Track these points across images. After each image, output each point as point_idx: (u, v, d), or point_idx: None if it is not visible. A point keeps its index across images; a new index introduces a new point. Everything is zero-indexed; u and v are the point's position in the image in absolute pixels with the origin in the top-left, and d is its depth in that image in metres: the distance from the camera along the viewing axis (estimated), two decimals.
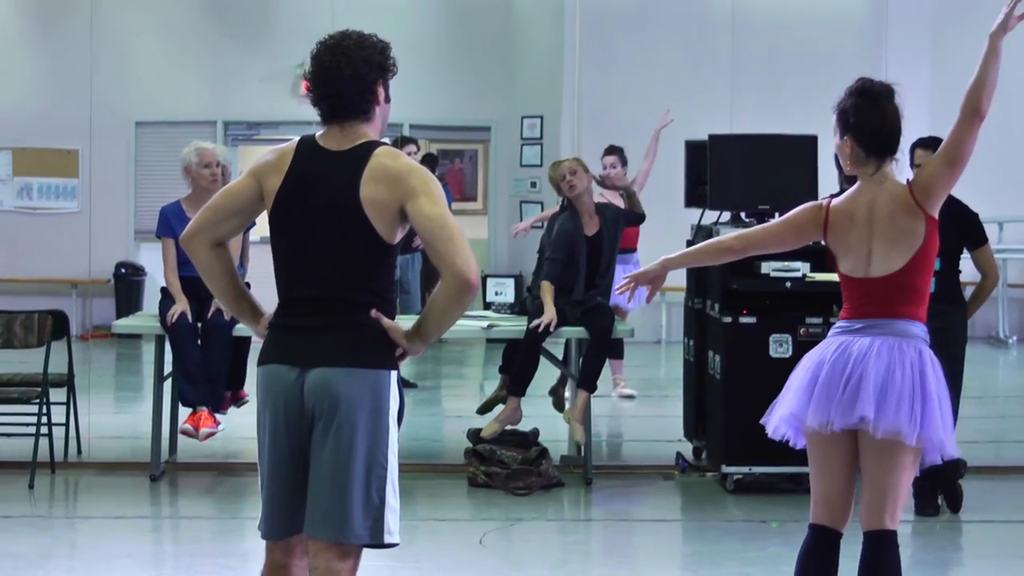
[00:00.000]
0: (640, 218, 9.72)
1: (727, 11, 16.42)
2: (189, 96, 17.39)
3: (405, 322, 4.52)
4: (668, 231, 10.20)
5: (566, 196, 9.30)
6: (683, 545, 8.12)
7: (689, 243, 9.16)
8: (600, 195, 11.56)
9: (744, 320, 8.75)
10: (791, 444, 5.17)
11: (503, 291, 10.13)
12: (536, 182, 17.05)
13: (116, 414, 11.91)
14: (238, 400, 9.21)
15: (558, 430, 9.76)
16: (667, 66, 16.62)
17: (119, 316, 14.59)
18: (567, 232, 9.22)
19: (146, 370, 12.65)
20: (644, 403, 12.57)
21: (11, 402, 8.99)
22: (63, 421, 9.28)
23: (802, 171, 9.02)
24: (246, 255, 9.09)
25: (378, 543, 4.40)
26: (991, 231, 9.91)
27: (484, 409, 9.60)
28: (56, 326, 8.97)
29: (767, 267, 8.69)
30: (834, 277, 5.22)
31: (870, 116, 4.98)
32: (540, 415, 9.48)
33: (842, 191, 5.21)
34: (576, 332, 9.06)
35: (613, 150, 12.28)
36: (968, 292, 8.32)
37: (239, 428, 9.23)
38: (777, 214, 8.44)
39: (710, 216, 9.51)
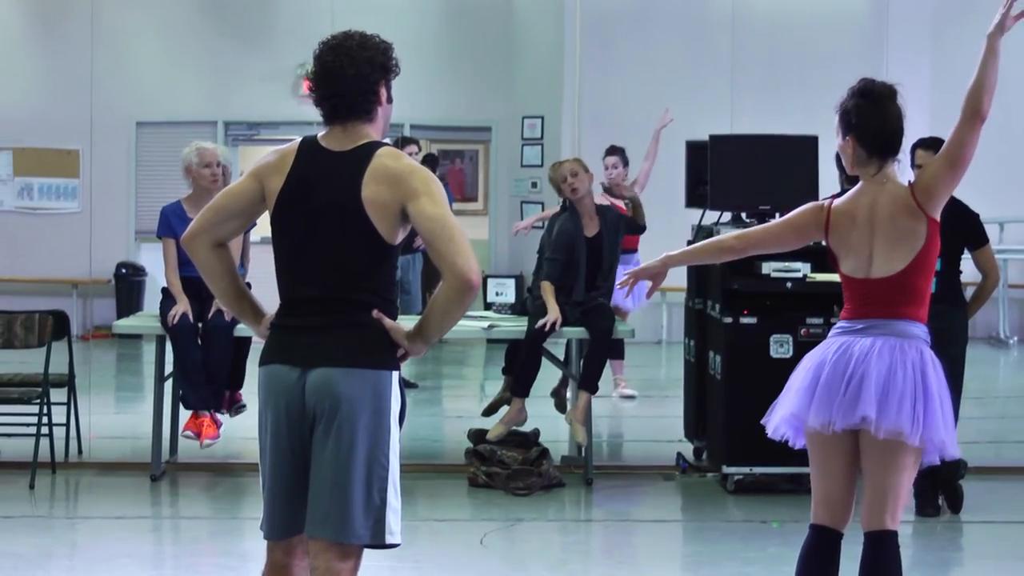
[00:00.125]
0: (640, 229, 9.65)
1: (727, 11, 16.42)
2: (189, 96, 17.39)
3: (406, 323, 4.52)
4: (669, 231, 10.18)
5: (567, 197, 9.30)
6: (683, 545, 8.12)
7: (690, 243, 9.16)
8: (602, 196, 11.59)
9: (745, 320, 8.74)
10: (790, 444, 5.17)
11: (504, 291, 10.13)
12: (537, 182, 17.04)
13: (116, 414, 11.91)
14: (233, 404, 9.19)
15: (559, 430, 9.76)
16: (667, 66, 16.62)
17: (120, 316, 14.60)
18: (567, 232, 9.21)
19: (147, 370, 12.65)
20: (645, 403, 12.57)
21: (12, 402, 8.99)
22: (63, 421, 9.28)
23: (803, 171, 9.02)
24: (247, 255, 9.09)
25: (379, 543, 4.40)
26: (992, 231, 9.91)
27: (489, 411, 9.60)
28: (57, 326, 8.97)
29: (768, 267, 8.69)
30: (835, 277, 5.22)
31: (872, 117, 4.98)
32: (541, 415, 9.48)
33: (843, 191, 5.21)
34: (577, 333, 9.06)
35: (614, 150, 12.28)
36: (969, 292, 8.32)
37: (239, 429, 9.23)
38: (778, 214, 8.44)
39: (711, 216, 9.51)
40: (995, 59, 4.85)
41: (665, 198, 11.88)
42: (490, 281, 10.07)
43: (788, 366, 5.38)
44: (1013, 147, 15.52)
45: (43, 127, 17.07)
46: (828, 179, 8.83)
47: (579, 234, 9.21)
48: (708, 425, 9.31)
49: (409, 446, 9.68)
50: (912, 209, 4.93)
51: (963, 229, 7.91)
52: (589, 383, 9.07)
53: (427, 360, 14.26)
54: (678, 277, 9.71)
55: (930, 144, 7.73)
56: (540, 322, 8.88)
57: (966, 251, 8.11)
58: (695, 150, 9.65)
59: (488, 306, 10.00)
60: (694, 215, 9.71)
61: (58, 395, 9.16)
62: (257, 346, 4.64)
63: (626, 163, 12.23)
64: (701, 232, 9.29)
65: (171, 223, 8.94)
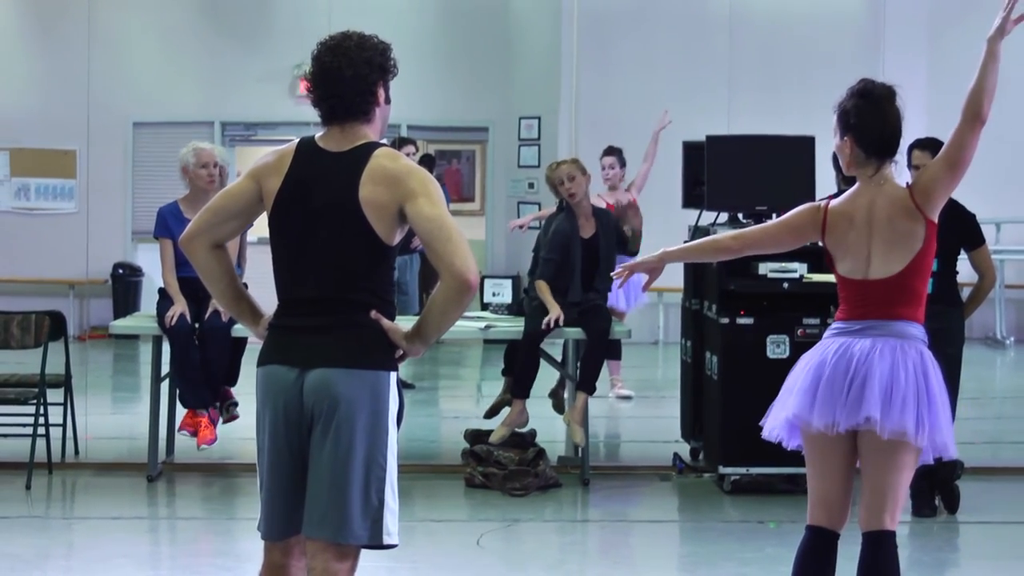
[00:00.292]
0: (631, 254, 9.54)
1: (724, 12, 16.43)
2: (186, 97, 17.39)
3: (404, 323, 4.52)
4: (666, 232, 10.18)
5: (563, 198, 9.29)
6: (680, 546, 8.12)
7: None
8: (598, 196, 11.58)
9: (741, 321, 8.75)
10: (784, 445, 5.17)
11: (501, 292, 10.15)
12: (534, 183, 17.04)
13: (113, 415, 11.91)
14: (225, 400, 9.16)
15: (555, 431, 9.77)
16: (665, 67, 16.63)
17: (116, 317, 14.58)
18: (562, 233, 9.21)
19: (143, 371, 12.66)
20: (641, 404, 12.57)
21: (8, 403, 8.99)
22: (60, 422, 9.27)
23: (800, 172, 9.02)
24: (244, 256, 9.08)
25: (377, 544, 4.40)
26: (988, 232, 9.92)
27: (490, 414, 9.61)
28: (53, 327, 8.96)
29: (764, 268, 8.70)
30: (831, 278, 5.22)
31: (871, 118, 4.98)
32: (537, 416, 9.47)
33: (840, 192, 5.21)
34: (574, 333, 9.06)
35: (612, 151, 12.28)
36: (965, 293, 8.32)
37: (236, 429, 9.22)
38: (775, 215, 8.44)
39: (708, 217, 9.51)
40: (995, 62, 4.86)
41: (662, 199, 11.88)
42: (487, 282, 10.08)
43: (785, 366, 5.38)
44: (1010, 148, 15.54)
45: (40, 127, 17.07)
46: (825, 180, 8.85)
47: (575, 235, 9.21)
48: (705, 425, 9.32)
49: (406, 447, 9.67)
50: (911, 211, 4.94)
51: (960, 230, 7.91)
52: (587, 384, 9.07)
53: (424, 361, 14.26)
54: (675, 278, 9.74)
55: (927, 145, 7.73)
56: (545, 320, 8.87)
57: (963, 252, 8.11)
58: (692, 151, 9.65)
59: (485, 306, 10.02)
60: (691, 216, 9.71)
61: (55, 395, 9.16)
62: (254, 346, 4.64)
63: (623, 163, 12.23)
64: (698, 233, 9.30)
65: (168, 223, 8.93)
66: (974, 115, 4.86)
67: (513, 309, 9.88)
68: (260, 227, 4.81)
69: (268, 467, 4.47)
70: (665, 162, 11.97)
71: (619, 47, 16.71)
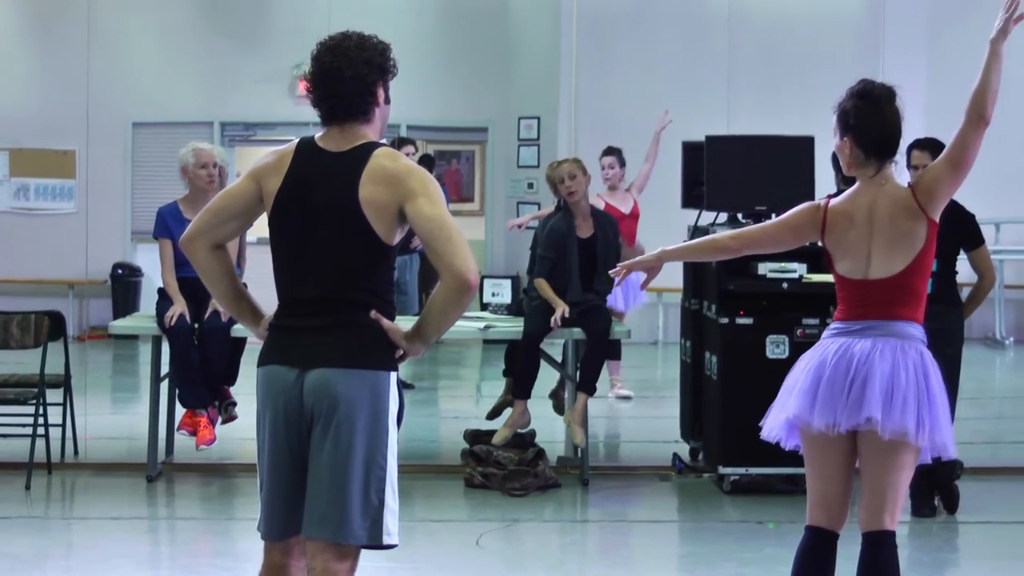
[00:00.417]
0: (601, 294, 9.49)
1: (724, 12, 16.43)
2: (186, 97, 17.39)
3: (404, 323, 4.52)
4: (665, 232, 10.17)
5: (562, 196, 9.30)
6: (680, 546, 8.12)
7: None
8: (597, 196, 11.59)
9: (741, 321, 8.75)
10: (782, 446, 5.17)
11: (500, 292, 10.14)
12: (533, 183, 17.05)
13: (113, 415, 11.91)
14: (224, 400, 9.16)
15: (555, 431, 9.77)
16: (664, 67, 16.63)
17: (116, 317, 14.58)
18: (557, 231, 9.23)
19: (143, 371, 12.66)
20: (641, 404, 12.57)
21: (8, 403, 8.99)
22: (59, 422, 9.27)
23: (799, 172, 9.02)
24: (243, 256, 9.08)
25: (377, 544, 4.40)
26: (988, 232, 9.92)
27: (492, 415, 9.62)
28: (53, 327, 8.96)
29: (764, 268, 8.70)
30: (831, 278, 5.21)
31: (870, 118, 4.97)
32: (537, 416, 9.47)
33: (839, 192, 5.21)
34: (573, 333, 9.06)
35: (611, 151, 12.29)
36: (965, 293, 8.32)
37: (235, 429, 9.22)
38: (774, 215, 8.42)
39: (707, 217, 9.51)
40: (998, 63, 4.86)
41: (661, 199, 11.87)
42: (486, 282, 10.07)
43: (784, 366, 5.38)
44: (1009, 148, 15.53)
45: (39, 127, 17.08)
46: (824, 180, 8.85)
47: (571, 234, 9.21)
48: (704, 426, 9.32)
49: (405, 447, 9.68)
50: (914, 210, 4.93)
51: (959, 230, 7.91)
52: (587, 385, 9.07)
53: (423, 361, 14.26)
54: (674, 278, 9.75)
55: (926, 145, 7.73)
56: (553, 318, 8.88)
57: (962, 252, 8.11)
58: (691, 151, 9.65)
59: (484, 307, 10.01)
60: (690, 216, 9.71)
61: (54, 396, 9.16)
62: (253, 346, 4.64)
63: (623, 163, 12.23)
64: (697, 233, 9.29)
65: (167, 224, 8.93)
66: (978, 116, 4.86)
67: (513, 309, 9.88)
68: (259, 227, 4.81)
69: (268, 467, 4.47)
70: (664, 162, 11.97)
71: (618, 47, 16.72)
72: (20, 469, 8.90)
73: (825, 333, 5.12)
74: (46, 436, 9.03)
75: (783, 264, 8.65)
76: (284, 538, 4.50)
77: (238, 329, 8.73)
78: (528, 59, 17.59)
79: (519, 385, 9.14)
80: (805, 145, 9.13)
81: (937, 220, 4.96)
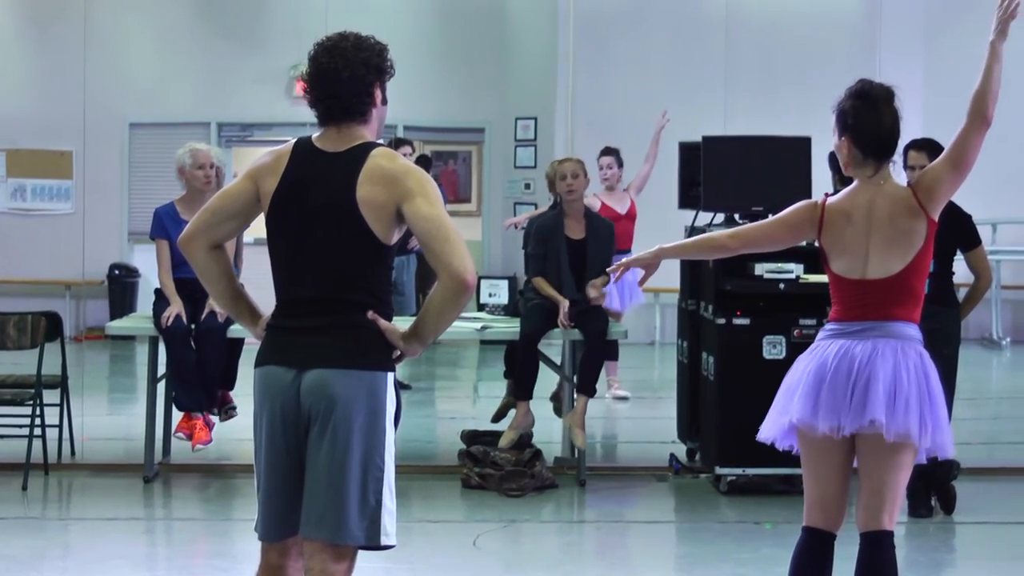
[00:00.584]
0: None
1: (720, 12, 16.42)
2: (183, 97, 17.37)
3: (401, 324, 4.52)
4: (662, 232, 10.13)
5: (559, 194, 9.29)
6: (677, 547, 8.12)
7: None
8: (594, 196, 11.60)
9: (738, 321, 8.75)
10: (776, 446, 5.17)
11: (497, 293, 10.14)
12: (530, 183, 17.04)
13: (109, 416, 11.90)
14: (224, 404, 9.17)
15: (552, 431, 9.76)
16: (661, 67, 16.62)
17: (113, 318, 14.59)
18: (543, 227, 9.27)
19: (140, 372, 12.66)
20: (638, 404, 12.57)
21: (5, 404, 8.99)
22: (56, 423, 9.27)
23: (796, 173, 9.02)
24: (240, 257, 9.07)
25: (374, 545, 4.40)
26: (985, 233, 9.94)
27: (497, 417, 9.62)
28: (50, 327, 8.95)
29: (761, 268, 8.70)
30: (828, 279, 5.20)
31: (868, 119, 4.98)
32: (535, 417, 9.47)
33: (836, 192, 5.21)
34: (571, 334, 9.06)
35: (609, 151, 12.30)
36: (962, 294, 8.32)
37: (232, 430, 9.22)
38: (771, 216, 8.44)
39: (704, 218, 9.51)
40: (999, 64, 4.87)
41: (658, 199, 11.89)
42: (483, 282, 10.07)
43: (781, 367, 5.38)
44: (1007, 149, 15.51)
45: (36, 128, 17.06)
46: (821, 180, 8.85)
47: (559, 231, 9.22)
48: (701, 426, 9.31)
49: (402, 447, 9.61)
50: (914, 209, 4.93)
51: (956, 230, 7.91)
52: (587, 387, 9.07)
53: (420, 361, 14.25)
54: (671, 278, 9.73)
55: (923, 145, 7.73)
56: (559, 318, 8.88)
57: (959, 252, 8.12)
58: (688, 151, 9.66)
59: (481, 307, 10.00)
60: (687, 216, 9.72)
61: (51, 396, 9.15)
62: (250, 347, 4.64)
63: (621, 164, 12.25)
64: (694, 233, 9.28)
65: (164, 224, 8.93)
66: (981, 118, 4.87)
67: (510, 310, 9.88)
68: (256, 228, 4.81)
69: (265, 468, 4.47)
70: (661, 163, 11.99)
71: (615, 48, 16.72)
72: (17, 470, 8.89)
73: (820, 334, 5.10)
74: (43, 437, 9.02)
75: (780, 264, 8.65)
76: (281, 539, 4.50)
77: (235, 330, 8.73)
78: (525, 60, 17.59)
79: (520, 387, 9.14)
80: (802, 146, 9.13)
81: (936, 220, 4.96)
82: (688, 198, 9.67)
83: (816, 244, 5.12)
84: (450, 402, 13.42)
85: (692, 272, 9.51)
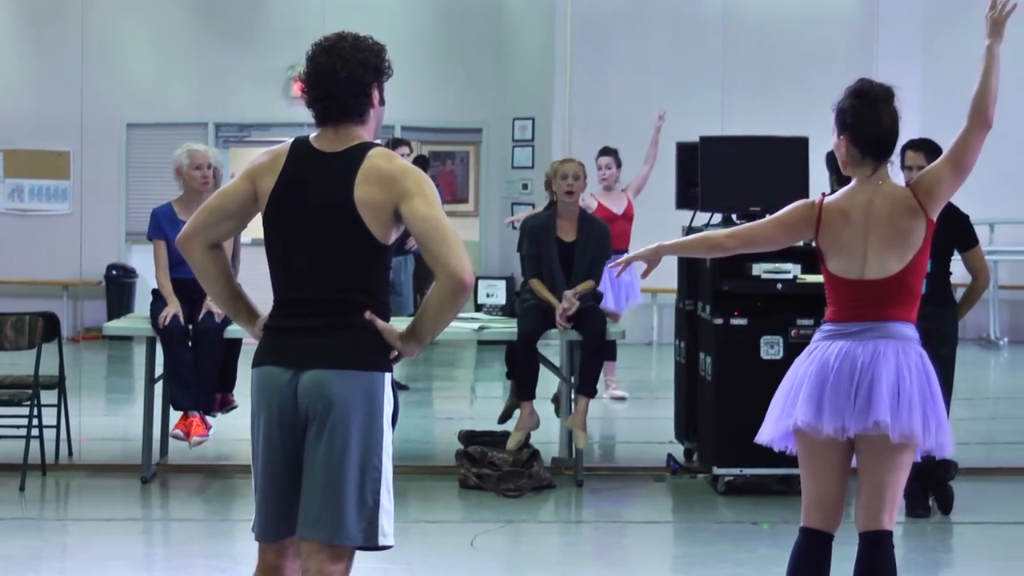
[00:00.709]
0: (595, 298, 9.43)
1: (718, 13, 16.45)
2: (180, 98, 17.37)
3: (399, 324, 4.51)
4: (659, 233, 10.11)
5: (555, 193, 9.29)
6: (674, 547, 8.12)
7: None
8: (591, 196, 11.60)
9: (735, 322, 8.75)
10: (773, 448, 5.16)
11: (494, 293, 10.14)
12: (528, 184, 17.05)
13: (107, 416, 11.90)
14: (226, 406, 9.19)
15: (550, 432, 9.76)
16: (658, 68, 16.63)
17: (110, 318, 14.59)
18: (533, 227, 9.31)
19: (137, 372, 12.65)
20: (635, 405, 12.57)
21: (2, 404, 8.98)
22: (54, 423, 9.26)
23: (793, 173, 9.02)
24: (237, 257, 9.07)
25: (372, 545, 4.40)
26: (982, 233, 9.94)
27: (503, 418, 9.62)
28: (47, 328, 8.95)
29: (758, 269, 8.70)
30: None
31: (866, 118, 4.98)
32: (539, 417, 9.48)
33: (834, 192, 5.21)
34: (568, 334, 9.05)
35: (608, 151, 12.32)
36: (959, 294, 8.33)
37: (230, 430, 9.23)
38: (767, 216, 8.44)
39: (701, 218, 9.51)
40: (996, 66, 4.89)
41: (656, 199, 11.90)
42: (481, 283, 10.07)
43: (779, 367, 5.38)
44: (1004, 149, 15.49)
45: (34, 129, 17.07)
46: (819, 180, 8.85)
47: (549, 231, 9.22)
48: (699, 426, 9.31)
49: (400, 447, 9.63)
50: (915, 209, 4.93)
51: (953, 230, 7.91)
52: (587, 388, 9.08)
53: (418, 362, 14.26)
54: (669, 278, 9.74)
55: (920, 146, 7.72)
56: (557, 319, 8.88)
57: (956, 252, 8.12)
58: (685, 151, 9.66)
59: (479, 308, 10.00)
60: (684, 216, 9.71)
61: (48, 397, 9.15)
62: (248, 347, 4.63)
63: (619, 164, 12.26)
64: (691, 234, 9.29)
65: (162, 225, 8.93)
66: (982, 120, 4.88)
67: (507, 310, 9.88)
68: (253, 228, 4.81)
69: (262, 468, 4.47)
70: (659, 163, 12.01)
71: (613, 48, 16.72)
72: (14, 470, 8.89)
73: (817, 335, 5.09)
74: (40, 437, 9.02)
75: (777, 265, 8.66)
76: (278, 539, 4.50)
77: (232, 330, 8.73)
78: (523, 60, 17.59)
79: (521, 387, 9.14)
80: (799, 146, 9.13)
81: (935, 220, 4.97)
82: (685, 198, 9.68)
83: (813, 244, 5.12)
84: (448, 402, 13.42)
85: (690, 272, 9.51)
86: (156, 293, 9.02)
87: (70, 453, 9.54)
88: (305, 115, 4.53)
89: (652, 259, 5.30)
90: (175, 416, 9.10)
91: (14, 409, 8.99)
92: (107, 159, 17.19)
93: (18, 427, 8.92)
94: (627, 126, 14.20)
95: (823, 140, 5.15)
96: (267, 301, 4.56)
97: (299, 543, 4.43)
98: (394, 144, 11.73)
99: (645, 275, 5.39)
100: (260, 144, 16.43)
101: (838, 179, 8.24)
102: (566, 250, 9.22)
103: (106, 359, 15.65)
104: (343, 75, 4.41)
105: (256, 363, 4.48)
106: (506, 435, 9.25)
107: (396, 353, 4.45)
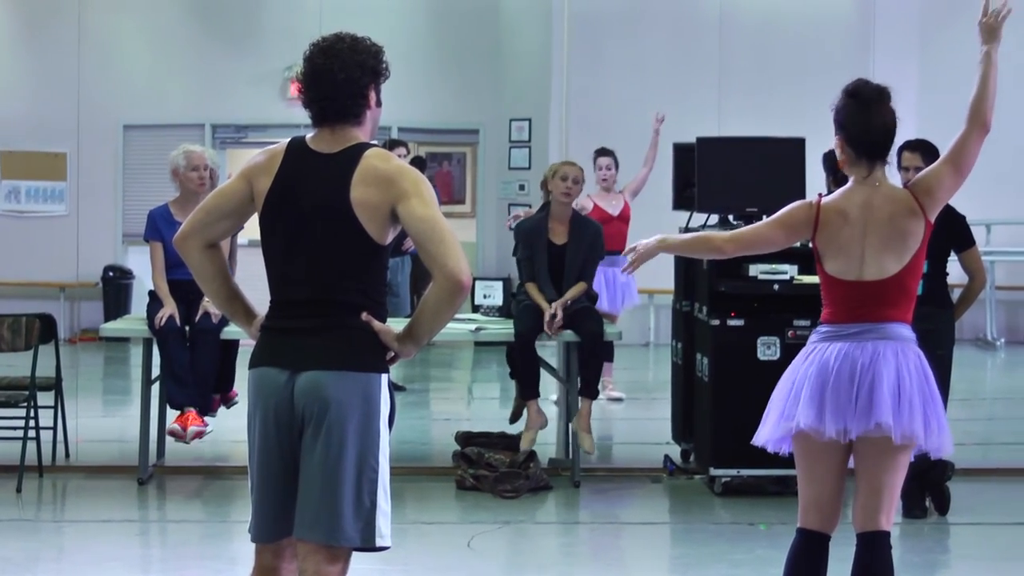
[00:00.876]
0: (590, 298, 9.47)
1: (715, 14, 16.43)
2: (177, 99, 17.36)
3: (396, 325, 4.51)
4: (656, 233, 10.20)
5: (550, 192, 9.28)
6: (671, 548, 8.12)
7: None
8: (588, 197, 11.60)
9: (732, 323, 8.75)
10: (769, 449, 5.16)
11: (491, 294, 10.13)
12: (524, 185, 17.05)
13: (104, 418, 11.89)
14: (228, 401, 9.20)
15: (547, 433, 9.75)
16: (655, 69, 16.63)
17: (107, 319, 14.56)
18: (524, 229, 9.33)
19: (134, 373, 12.63)
20: (632, 406, 12.57)
21: None
22: (51, 425, 9.26)
23: (790, 173, 9.01)
24: (234, 258, 9.06)
25: (369, 546, 4.39)
26: (979, 233, 9.93)
27: (514, 418, 9.61)
28: (44, 329, 8.95)
29: (755, 270, 8.70)
30: None
31: (859, 119, 4.98)
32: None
33: (830, 193, 5.21)
34: (566, 335, 9.05)
35: (607, 152, 12.31)
36: (956, 295, 8.33)
37: (227, 431, 9.22)
38: (765, 217, 8.44)
39: (698, 219, 9.51)
40: (994, 69, 4.91)
41: (653, 201, 11.89)
42: (478, 284, 10.06)
43: (775, 368, 5.38)
44: (1001, 150, 15.44)
45: (30, 130, 17.04)
46: (816, 181, 8.85)
47: (541, 232, 9.22)
48: (695, 427, 9.32)
49: (397, 449, 9.56)
50: (913, 209, 4.94)
51: (950, 231, 7.91)
52: (589, 390, 9.08)
53: (415, 363, 14.25)
54: (665, 280, 9.74)
55: (916, 147, 7.72)
56: (546, 324, 8.88)
57: (953, 253, 8.12)
58: (682, 152, 9.66)
59: (476, 308, 10.00)
60: (681, 217, 9.71)
61: (45, 398, 9.15)
62: (246, 348, 4.63)
63: (617, 165, 12.26)
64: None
65: (158, 226, 8.93)
66: (981, 123, 4.88)
67: (504, 311, 9.88)
68: (249, 230, 4.80)
69: (258, 469, 4.46)
70: (656, 164, 12.00)
71: (610, 49, 16.72)
72: (11, 472, 8.89)
73: (813, 336, 5.08)
74: (37, 439, 9.01)
75: (774, 266, 8.65)
76: (275, 540, 4.49)
77: (229, 331, 8.73)
78: (519, 61, 17.59)
79: (525, 387, 9.16)
80: (796, 147, 9.12)
81: (933, 221, 4.97)
82: (683, 199, 9.67)
83: (810, 245, 5.11)
84: (444, 403, 13.41)
85: (686, 273, 9.51)
86: (153, 295, 9.01)
87: (67, 454, 9.53)
88: (302, 116, 4.53)
89: (654, 253, 5.31)
90: (172, 417, 9.10)
91: (11, 411, 8.98)
92: (104, 160, 17.17)
93: (15, 428, 8.92)
94: (624, 127, 14.19)
95: (820, 141, 5.16)
96: (264, 302, 4.56)
97: (296, 544, 4.43)
98: (391, 145, 11.74)
99: (645, 259, 5.39)
100: (257, 145, 16.38)
101: (835, 179, 8.24)
102: (557, 253, 9.21)
103: (103, 360, 15.64)
104: (340, 76, 4.41)
105: (253, 364, 4.48)
106: (503, 436, 9.26)
107: (393, 354, 4.45)
